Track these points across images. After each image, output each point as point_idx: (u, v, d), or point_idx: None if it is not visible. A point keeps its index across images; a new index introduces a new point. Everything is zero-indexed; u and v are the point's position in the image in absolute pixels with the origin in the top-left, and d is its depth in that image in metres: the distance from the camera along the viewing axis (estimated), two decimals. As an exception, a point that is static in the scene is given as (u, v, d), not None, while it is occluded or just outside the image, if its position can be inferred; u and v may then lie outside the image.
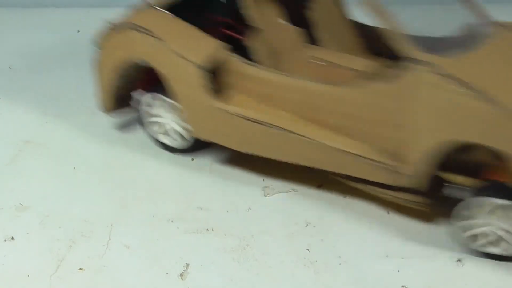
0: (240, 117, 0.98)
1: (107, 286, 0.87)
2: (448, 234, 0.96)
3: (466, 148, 0.83)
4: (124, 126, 1.25)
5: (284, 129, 0.95)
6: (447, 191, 0.89)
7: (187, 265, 0.89)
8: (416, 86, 0.82)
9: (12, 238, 0.95)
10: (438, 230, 0.99)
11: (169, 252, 0.93)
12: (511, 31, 0.94)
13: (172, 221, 0.98)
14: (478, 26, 0.98)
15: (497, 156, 0.81)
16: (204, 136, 1.03)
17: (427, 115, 0.83)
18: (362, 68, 1.01)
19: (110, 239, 0.95)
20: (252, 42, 1.04)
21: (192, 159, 1.13)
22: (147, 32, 1.03)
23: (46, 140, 1.26)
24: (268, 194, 1.04)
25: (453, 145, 0.82)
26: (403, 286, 0.84)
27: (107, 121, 1.25)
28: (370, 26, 1.09)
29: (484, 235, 0.86)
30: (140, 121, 1.17)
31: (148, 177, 1.12)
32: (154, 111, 1.11)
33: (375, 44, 1.10)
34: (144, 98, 1.11)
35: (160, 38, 1.02)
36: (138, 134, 1.22)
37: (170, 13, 1.08)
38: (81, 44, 1.74)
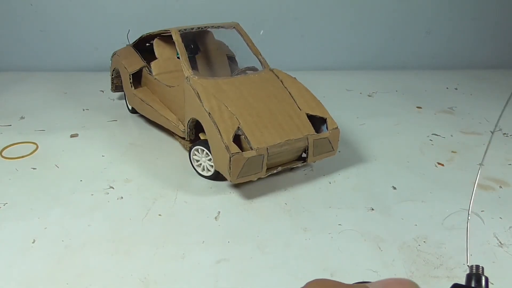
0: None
1: (175, 224, 1.11)
2: (364, 194, 1.26)
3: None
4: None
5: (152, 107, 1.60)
6: None
7: (219, 212, 1.18)
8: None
9: (122, 197, 1.23)
10: (359, 191, 1.28)
11: (209, 204, 1.22)
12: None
13: (211, 188, 1.32)
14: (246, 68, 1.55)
15: None
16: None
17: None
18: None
19: (176, 197, 1.25)
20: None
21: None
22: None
23: (142, 142, 1.61)
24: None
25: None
26: (339, 224, 1.16)
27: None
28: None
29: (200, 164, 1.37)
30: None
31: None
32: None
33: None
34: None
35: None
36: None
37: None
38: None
